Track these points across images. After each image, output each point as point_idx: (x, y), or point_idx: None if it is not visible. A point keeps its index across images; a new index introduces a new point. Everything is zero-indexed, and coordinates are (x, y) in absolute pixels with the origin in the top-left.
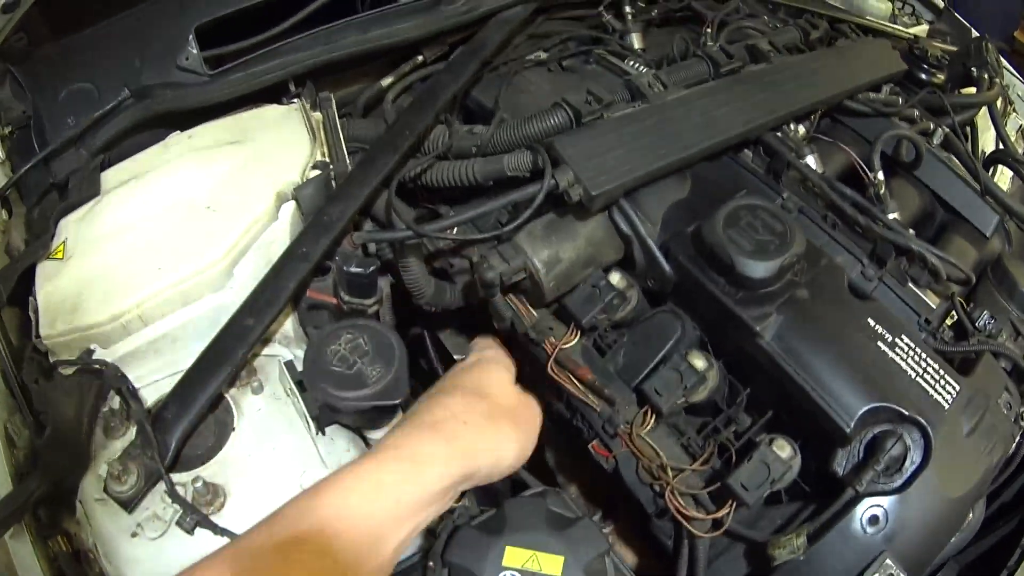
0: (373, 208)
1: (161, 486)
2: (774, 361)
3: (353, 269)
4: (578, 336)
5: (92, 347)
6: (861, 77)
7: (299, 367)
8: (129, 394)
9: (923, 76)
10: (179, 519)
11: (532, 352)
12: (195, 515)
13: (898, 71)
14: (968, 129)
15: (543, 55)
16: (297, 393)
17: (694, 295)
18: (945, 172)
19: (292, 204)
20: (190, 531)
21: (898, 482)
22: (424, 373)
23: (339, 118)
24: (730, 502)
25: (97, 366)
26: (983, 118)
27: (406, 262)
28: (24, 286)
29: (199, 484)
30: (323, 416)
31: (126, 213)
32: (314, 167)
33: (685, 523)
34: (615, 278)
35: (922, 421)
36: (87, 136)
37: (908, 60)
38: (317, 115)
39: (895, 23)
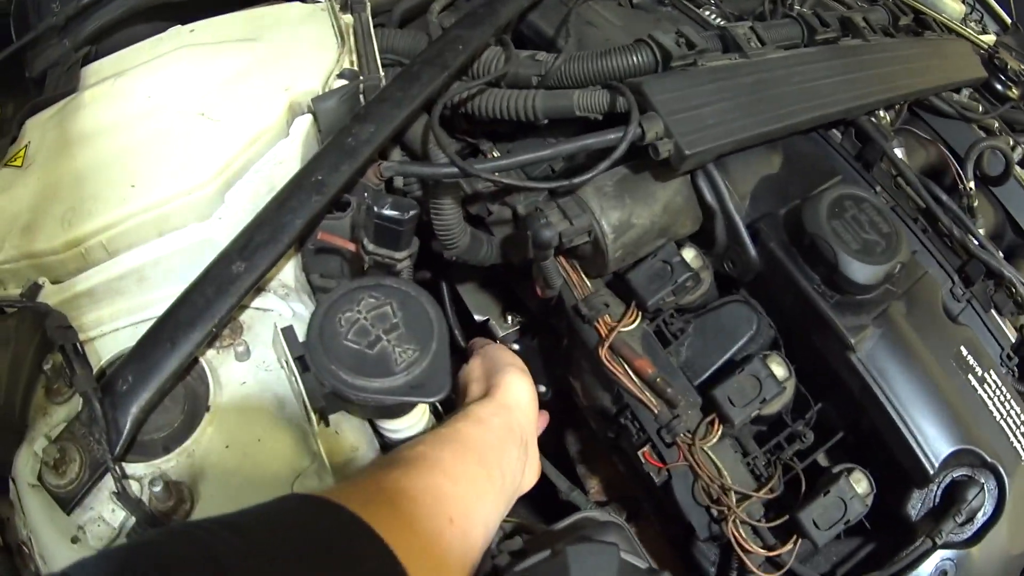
0: (408, 135)
1: (109, 481)
2: (863, 382)
3: (387, 211)
4: (639, 318)
5: (40, 281)
6: (948, 75)
7: (300, 333)
8: (74, 354)
9: (999, 88)
10: (130, 531)
11: (579, 330)
12: (151, 527)
13: (979, 77)
14: None
15: None
16: (297, 372)
17: (779, 289)
18: (1023, 194)
19: (308, 118)
20: None
21: (968, 534)
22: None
23: (373, 26)
24: (795, 538)
25: (38, 309)
26: None
27: (440, 204)
28: None
29: (158, 486)
30: (330, 406)
31: (102, 115)
32: (340, 76)
33: (744, 558)
34: (690, 255)
35: (1000, 470)
36: (73, 25)
37: (987, 68)
38: (347, 17)
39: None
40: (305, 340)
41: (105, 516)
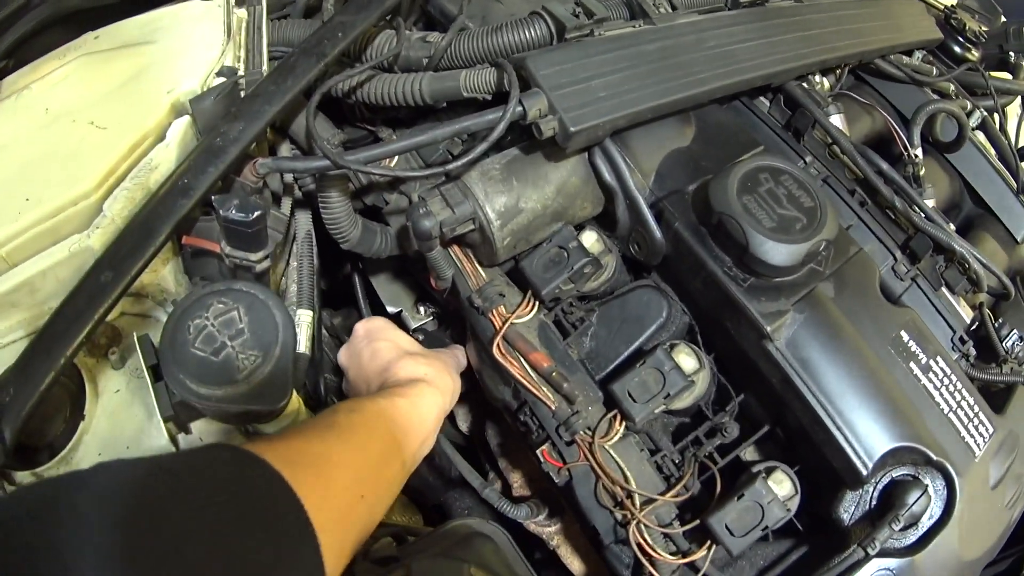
0: (292, 127)
1: None
2: (783, 373)
3: (232, 215)
4: (535, 308)
5: None
6: (896, 36)
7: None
8: None
9: (957, 50)
10: None
11: (475, 323)
12: None
13: (933, 38)
14: (996, 117)
15: None
16: (150, 382)
17: (688, 273)
18: (981, 161)
19: (185, 120)
20: None
21: (912, 539)
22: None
23: (274, 20)
24: (708, 543)
25: None
26: (1012, 107)
27: (326, 197)
28: None
29: None
30: (181, 414)
31: (3, 130)
32: (219, 74)
33: (649, 566)
34: (589, 239)
35: (950, 469)
36: None
37: (944, 30)
38: (241, 12)
39: None
40: (159, 346)
41: None
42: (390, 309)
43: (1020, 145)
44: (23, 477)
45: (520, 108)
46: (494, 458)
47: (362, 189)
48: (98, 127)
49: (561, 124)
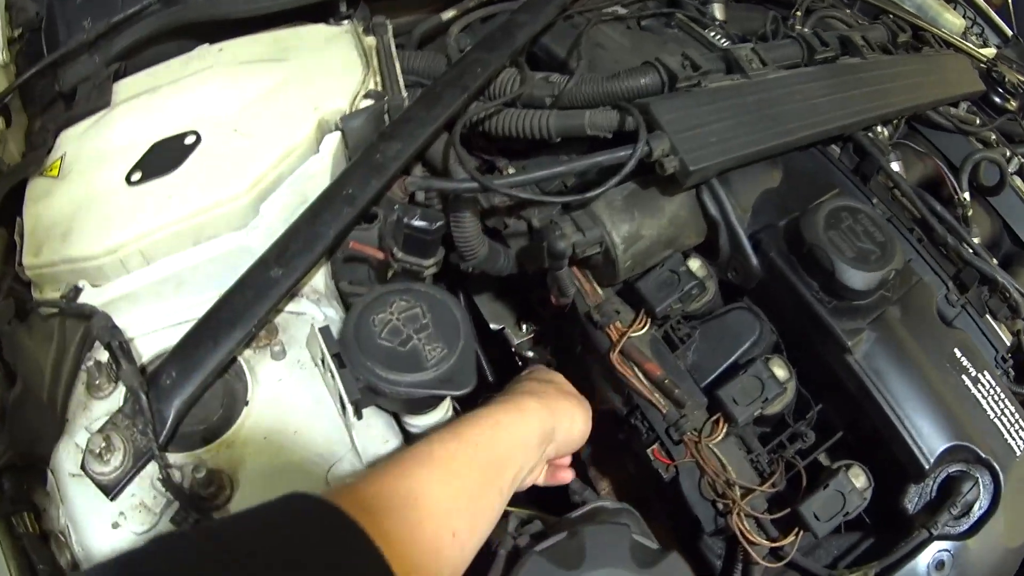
0: (428, 152)
1: (152, 468)
2: (860, 382)
3: (416, 223)
4: (648, 325)
5: (80, 284)
6: (945, 90)
7: (333, 331)
8: (120, 351)
9: (997, 100)
10: (174, 514)
11: (591, 336)
12: (194, 510)
13: (976, 90)
14: None
15: (621, 10)
16: (334, 368)
17: (780, 296)
18: (1019, 204)
19: (337, 136)
20: None
21: (964, 527)
22: None
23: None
24: (796, 530)
25: (83, 311)
26: None
27: (460, 217)
28: (14, 205)
29: (201, 472)
30: (364, 400)
31: (137, 129)
32: (367, 96)
33: (749, 549)
34: (695, 265)
35: (995, 466)
36: (102, 42)
37: (985, 81)
38: (370, 40)
39: (965, 40)
40: (341, 338)
41: (147, 502)
42: (493, 326)
43: None
44: (180, 459)
45: (647, 147)
46: (584, 467)
47: (484, 212)
48: (243, 135)
49: (682, 164)
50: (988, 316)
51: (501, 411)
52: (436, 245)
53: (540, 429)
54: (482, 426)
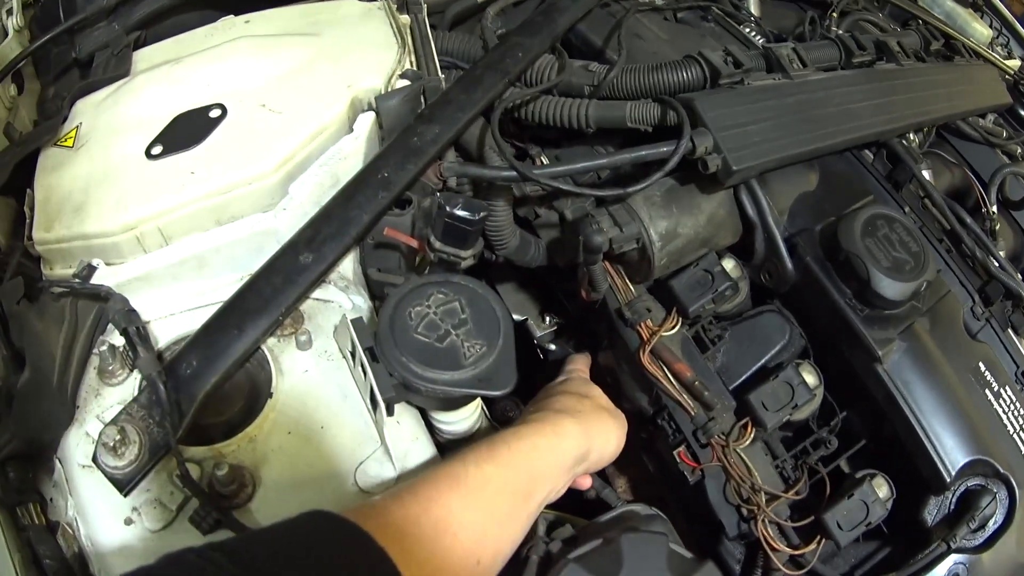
0: (464, 137)
1: (168, 463)
2: (888, 392)
3: (459, 212)
4: (679, 324)
5: (95, 262)
6: (976, 100)
7: (365, 322)
8: (138, 337)
9: (1022, 113)
10: (192, 513)
11: (621, 333)
12: (213, 509)
13: (1004, 103)
14: None
15: (658, 1)
16: (366, 362)
17: (812, 301)
18: None
19: (371, 116)
20: (206, 530)
21: (980, 540)
22: None
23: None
24: (818, 538)
25: (98, 292)
26: None
27: (493, 205)
28: (25, 176)
29: (223, 469)
30: (397, 395)
31: (158, 101)
32: (403, 76)
33: (772, 555)
34: (729, 265)
35: (1012, 481)
36: (123, 8)
37: (1012, 94)
38: (404, 18)
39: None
40: (375, 331)
41: (163, 499)
42: (516, 317)
43: None
44: (199, 453)
45: (691, 144)
46: None
47: (515, 201)
48: (271, 110)
49: (724, 162)
50: (1010, 331)
51: (538, 434)
52: (476, 236)
53: (576, 453)
54: (519, 450)
